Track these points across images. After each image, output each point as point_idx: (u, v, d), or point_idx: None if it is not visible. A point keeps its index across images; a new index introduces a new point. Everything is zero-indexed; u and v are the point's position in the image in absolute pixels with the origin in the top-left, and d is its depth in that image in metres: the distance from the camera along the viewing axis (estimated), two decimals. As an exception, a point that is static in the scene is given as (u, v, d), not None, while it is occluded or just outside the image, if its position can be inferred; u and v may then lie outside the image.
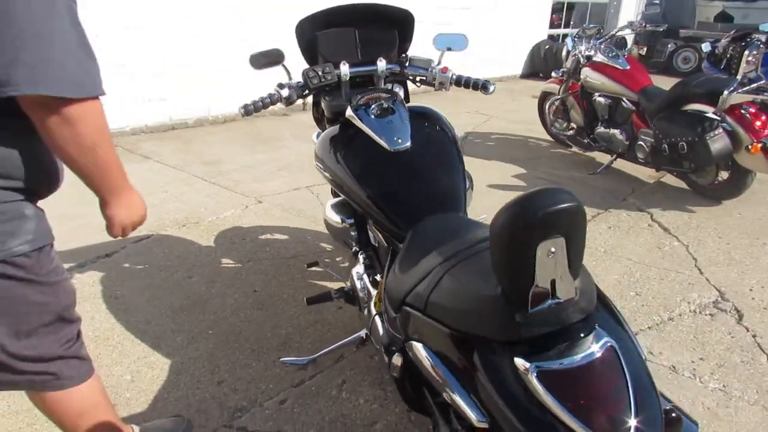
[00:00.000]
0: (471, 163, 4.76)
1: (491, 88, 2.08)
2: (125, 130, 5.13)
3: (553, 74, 5.07)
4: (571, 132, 5.05)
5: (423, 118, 2.04)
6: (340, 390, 2.06)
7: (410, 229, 1.64)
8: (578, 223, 1.01)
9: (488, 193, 4.13)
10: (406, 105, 2.12)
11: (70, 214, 3.37)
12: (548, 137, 5.51)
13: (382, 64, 2.06)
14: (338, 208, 2.09)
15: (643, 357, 1.14)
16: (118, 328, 2.36)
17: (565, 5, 11.14)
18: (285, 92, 2.01)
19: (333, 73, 2.01)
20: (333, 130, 2.04)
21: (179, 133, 5.29)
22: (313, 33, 2.10)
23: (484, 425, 1.11)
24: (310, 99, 2.22)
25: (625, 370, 1.03)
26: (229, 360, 2.20)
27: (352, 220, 2.03)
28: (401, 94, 2.27)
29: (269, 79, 2.54)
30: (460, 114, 6.72)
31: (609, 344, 1.06)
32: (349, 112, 1.92)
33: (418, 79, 2.17)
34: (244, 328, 2.40)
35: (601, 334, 1.08)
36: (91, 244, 3.05)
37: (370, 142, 1.83)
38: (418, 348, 1.30)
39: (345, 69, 2.03)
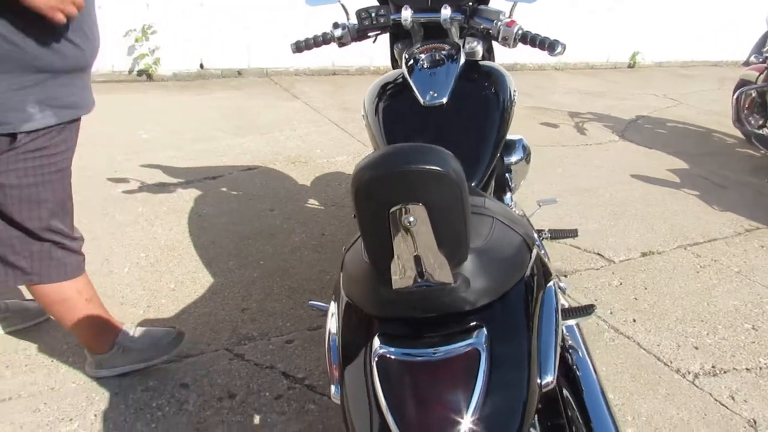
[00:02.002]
0: (626, 149, 4.28)
1: (558, 49, 1.78)
2: (289, 70, 5.45)
3: (752, 58, 4.26)
4: (766, 131, 4.23)
5: (482, 77, 1.84)
6: (349, 345, 2.01)
7: None
8: (446, 193, 0.83)
9: (627, 183, 3.65)
10: (479, 61, 1.94)
11: (204, 137, 3.71)
12: (739, 134, 4.68)
13: (446, 11, 1.87)
14: None
15: (539, 381, 0.92)
16: (186, 241, 2.56)
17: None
18: (338, 32, 1.94)
19: (387, 17, 1.88)
20: (385, 77, 1.94)
21: (337, 79, 5.48)
22: None
23: (337, 400, 1.00)
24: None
25: (479, 380, 0.84)
26: (264, 292, 2.27)
27: None
28: (479, 48, 2.06)
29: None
30: (644, 96, 6.00)
31: (472, 347, 0.87)
32: (404, 60, 1.81)
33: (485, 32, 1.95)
34: (294, 266, 2.45)
35: (477, 335, 0.89)
36: (208, 165, 3.32)
37: (411, 93, 1.71)
38: (330, 308, 1.20)
39: (407, 14, 1.88)
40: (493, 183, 1.83)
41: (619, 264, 2.71)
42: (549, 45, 1.82)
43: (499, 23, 1.89)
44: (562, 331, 1.38)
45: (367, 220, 0.86)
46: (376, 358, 0.88)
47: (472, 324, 0.91)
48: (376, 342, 0.91)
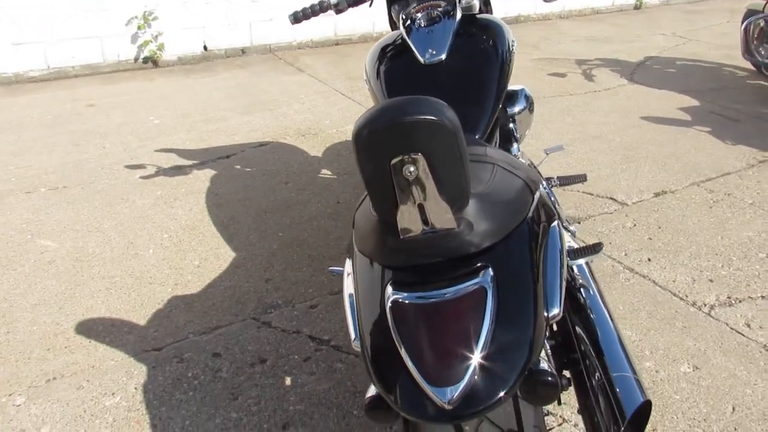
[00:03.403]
0: (635, 92, 4.24)
1: (552, -7, 1.80)
2: (292, 44, 5.45)
3: (759, -14, 4.16)
4: (776, 60, 4.17)
5: (480, 31, 1.86)
6: (371, 305, 2.08)
7: None
8: (442, 141, 0.87)
9: (637, 126, 3.64)
10: (477, 15, 1.95)
11: (213, 118, 3.77)
12: (750, 66, 4.61)
13: None
14: None
15: (546, 313, 0.97)
16: (206, 220, 2.63)
17: None
18: (334, -1, 1.96)
19: None
20: (384, 40, 1.96)
21: (340, 49, 5.46)
22: None
23: (358, 348, 1.06)
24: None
25: (487, 315, 0.90)
26: (285, 262, 2.34)
27: None
28: (476, 2, 2.07)
29: None
30: (652, 36, 5.89)
31: (479, 286, 0.92)
32: (401, 21, 1.83)
33: None
34: (312, 235, 2.52)
35: (483, 275, 0.94)
36: (220, 145, 3.38)
37: (410, 53, 1.74)
38: (346, 267, 1.26)
39: None
40: (498, 134, 1.87)
41: (632, 206, 2.73)
42: None
43: None
44: (572, 270, 1.43)
45: (370, 174, 0.90)
46: (389, 304, 0.94)
47: (478, 265, 0.95)
48: (389, 290, 0.96)
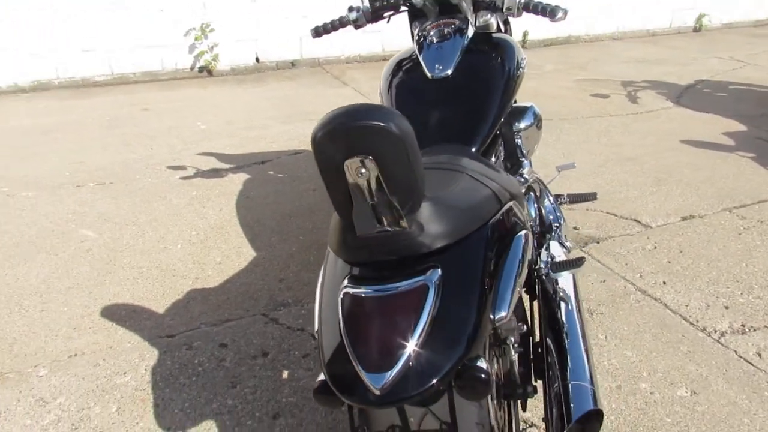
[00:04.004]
0: (679, 115, 4.16)
1: (559, 14, 1.83)
2: (340, 58, 5.62)
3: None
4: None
5: (489, 49, 1.92)
6: (376, 309, 2.14)
7: None
8: (390, 146, 0.94)
9: (676, 149, 3.57)
10: (493, 34, 2.01)
11: (256, 126, 3.94)
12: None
13: None
14: None
15: (493, 316, 1.02)
16: (234, 221, 2.77)
17: None
18: (353, 15, 2.05)
19: None
20: (400, 55, 2.04)
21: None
22: None
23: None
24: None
25: (425, 312, 0.95)
26: (300, 263, 2.44)
27: None
28: (492, 21, 2.13)
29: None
30: (707, 60, 5.74)
31: (422, 283, 0.98)
32: (415, 36, 1.92)
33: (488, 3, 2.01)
34: (331, 240, 2.61)
35: (430, 274, 1.00)
36: (258, 151, 3.54)
37: (421, 68, 1.81)
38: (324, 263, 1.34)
39: None
40: (501, 148, 1.91)
41: (656, 229, 2.69)
42: (550, 11, 1.87)
43: None
44: (556, 283, 1.46)
45: (326, 174, 0.98)
46: (341, 296, 1.01)
47: (427, 264, 1.01)
48: (344, 283, 1.03)
